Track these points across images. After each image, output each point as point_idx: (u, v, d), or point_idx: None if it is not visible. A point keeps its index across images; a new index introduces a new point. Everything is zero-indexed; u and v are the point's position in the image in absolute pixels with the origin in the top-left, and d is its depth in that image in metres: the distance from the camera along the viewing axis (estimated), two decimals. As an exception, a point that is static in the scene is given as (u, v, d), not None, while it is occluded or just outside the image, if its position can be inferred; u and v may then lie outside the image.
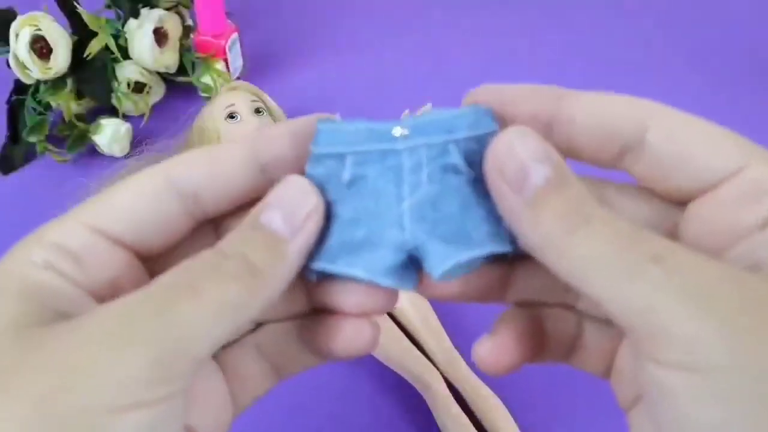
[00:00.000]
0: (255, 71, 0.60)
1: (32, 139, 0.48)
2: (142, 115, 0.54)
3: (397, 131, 0.16)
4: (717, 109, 0.58)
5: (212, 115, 0.44)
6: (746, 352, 0.12)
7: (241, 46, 0.58)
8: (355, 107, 0.56)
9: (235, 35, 0.56)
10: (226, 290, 0.14)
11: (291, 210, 0.16)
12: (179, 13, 0.55)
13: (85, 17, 0.50)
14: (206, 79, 0.54)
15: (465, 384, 0.33)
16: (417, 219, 0.16)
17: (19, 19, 0.47)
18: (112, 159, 0.50)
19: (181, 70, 0.55)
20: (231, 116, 0.42)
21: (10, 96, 0.51)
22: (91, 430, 0.13)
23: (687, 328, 0.12)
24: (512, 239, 0.16)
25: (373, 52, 0.64)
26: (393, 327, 0.35)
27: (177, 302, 0.14)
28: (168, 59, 0.53)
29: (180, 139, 0.46)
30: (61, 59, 0.48)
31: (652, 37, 0.69)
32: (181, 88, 0.56)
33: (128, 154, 0.50)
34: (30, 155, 0.50)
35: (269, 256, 0.15)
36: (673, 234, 0.16)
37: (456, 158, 0.16)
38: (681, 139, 0.15)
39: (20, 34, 0.47)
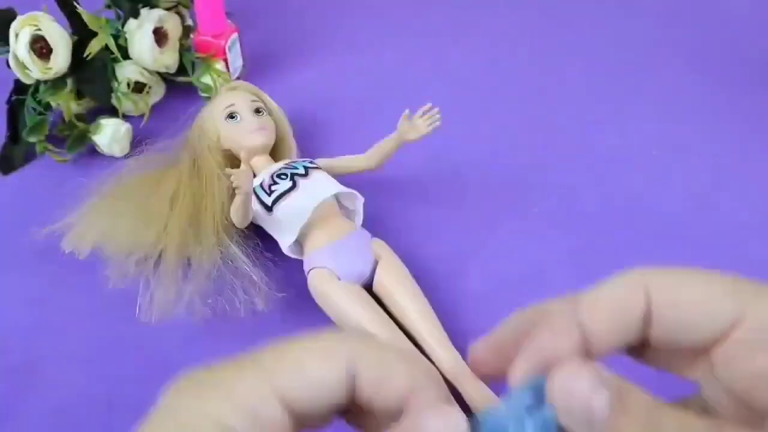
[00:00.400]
0: (255, 71, 0.60)
1: (32, 139, 0.48)
2: (142, 115, 0.54)
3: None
4: (717, 109, 0.58)
5: (212, 115, 0.44)
6: None
7: (241, 46, 0.58)
8: (355, 107, 0.56)
9: (235, 35, 0.56)
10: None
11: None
12: (179, 13, 0.55)
13: (85, 17, 0.50)
14: (206, 79, 0.54)
15: (470, 390, 0.32)
16: None
17: (19, 19, 0.47)
18: (112, 159, 0.50)
19: (182, 70, 0.55)
20: (231, 116, 0.42)
21: (10, 96, 0.51)
22: None
23: None
24: None
25: (373, 52, 0.64)
26: (401, 336, 0.35)
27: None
28: (168, 59, 0.53)
29: (180, 139, 0.46)
30: (61, 59, 0.48)
31: (652, 37, 0.69)
32: (181, 88, 0.56)
33: (128, 154, 0.50)
34: (30, 155, 0.50)
35: None
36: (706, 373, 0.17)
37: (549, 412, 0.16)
38: (679, 303, 0.17)
39: (20, 34, 0.47)
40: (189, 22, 0.58)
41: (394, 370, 0.16)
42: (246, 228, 0.41)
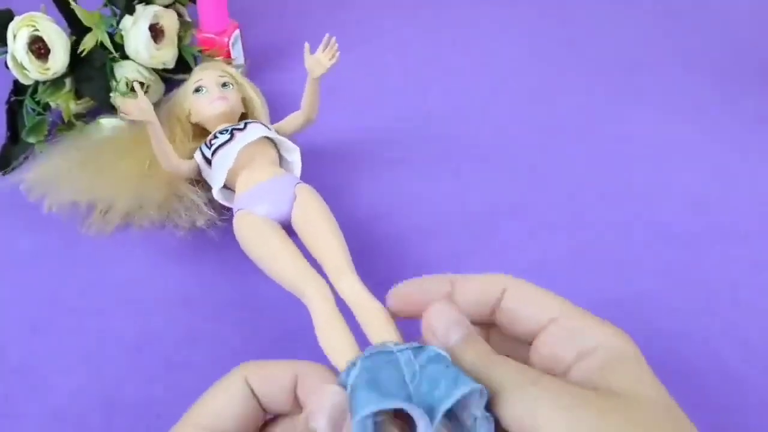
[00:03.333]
0: (257, 67, 0.60)
1: (31, 139, 0.48)
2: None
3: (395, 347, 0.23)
4: (717, 109, 0.58)
5: (184, 90, 0.47)
6: None
7: (243, 42, 0.58)
8: (357, 103, 0.56)
9: (237, 32, 0.56)
10: None
11: (331, 414, 0.21)
12: (176, 10, 0.55)
13: (79, 13, 0.49)
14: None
15: (351, 294, 0.34)
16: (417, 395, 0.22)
17: (17, 19, 0.47)
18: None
19: (182, 67, 0.55)
20: (197, 90, 0.45)
21: (9, 97, 0.51)
22: None
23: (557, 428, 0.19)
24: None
25: (373, 49, 0.64)
26: (306, 266, 0.36)
27: None
28: (165, 55, 0.53)
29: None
30: (59, 59, 0.48)
31: (652, 37, 0.69)
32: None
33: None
34: (29, 156, 0.50)
35: None
36: (525, 361, 0.24)
37: (435, 351, 0.23)
38: (520, 300, 0.25)
39: (18, 34, 0.47)
40: (187, 18, 0.57)
41: (276, 372, 0.23)
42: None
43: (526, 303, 0.25)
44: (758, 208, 0.48)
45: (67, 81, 0.50)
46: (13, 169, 0.49)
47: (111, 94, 0.51)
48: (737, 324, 0.40)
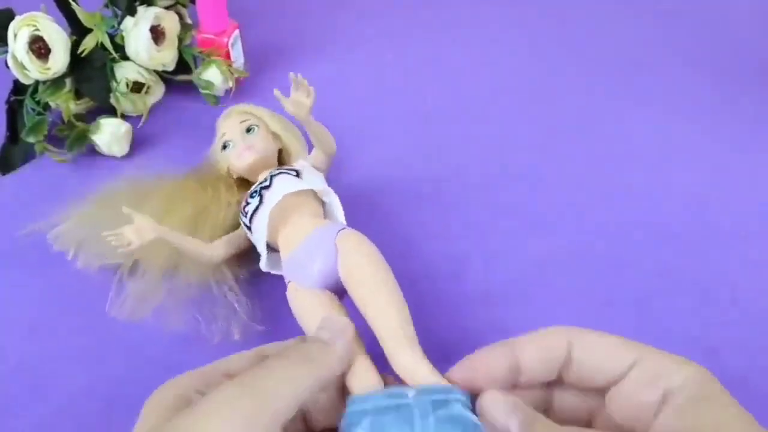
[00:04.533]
0: (256, 68, 0.60)
1: (31, 139, 0.48)
2: (141, 115, 0.54)
3: (410, 392, 0.24)
4: (717, 109, 0.58)
5: (214, 149, 0.44)
6: None
7: (243, 42, 0.58)
8: (357, 103, 0.56)
9: (237, 32, 0.56)
10: (292, 370, 0.23)
11: (335, 330, 0.26)
12: (177, 12, 0.55)
13: (80, 14, 0.49)
14: (207, 75, 0.54)
15: (410, 373, 0.28)
16: None
17: (18, 19, 0.47)
18: (112, 159, 0.50)
19: (182, 68, 0.55)
20: (224, 147, 0.43)
21: (9, 96, 0.51)
22: None
23: None
24: None
25: (373, 50, 0.64)
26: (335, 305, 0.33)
27: (264, 380, 0.22)
28: (165, 57, 0.53)
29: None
30: (59, 59, 0.48)
31: (652, 37, 0.69)
32: (180, 88, 0.56)
33: (128, 154, 0.50)
34: (29, 155, 0.50)
35: (320, 350, 0.25)
36: (597, 413, 0.25)
37: (458, 410, 0.23)
38: (593, 351, 0.24)
39: (19, 34, 0.47)
40: (188, 20, 0.57)
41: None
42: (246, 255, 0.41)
43: (598, 353, 0.24)
44: (758, 208, 0.48)
45: (67, 81, 0.50)
46: (12, 169, 0.49)
47: (111, 95, 0.51)
48: (737, 324, 0.40)
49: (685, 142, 0.54)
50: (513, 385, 0.25)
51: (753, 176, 0.51)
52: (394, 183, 0.49)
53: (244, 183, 0.44)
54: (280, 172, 0.39)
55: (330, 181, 0.43)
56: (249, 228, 0.38)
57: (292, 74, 0.39)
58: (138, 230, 0.36)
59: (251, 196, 0.39)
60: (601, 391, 0.24)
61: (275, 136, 0.44)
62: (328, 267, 0.33)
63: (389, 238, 0.43)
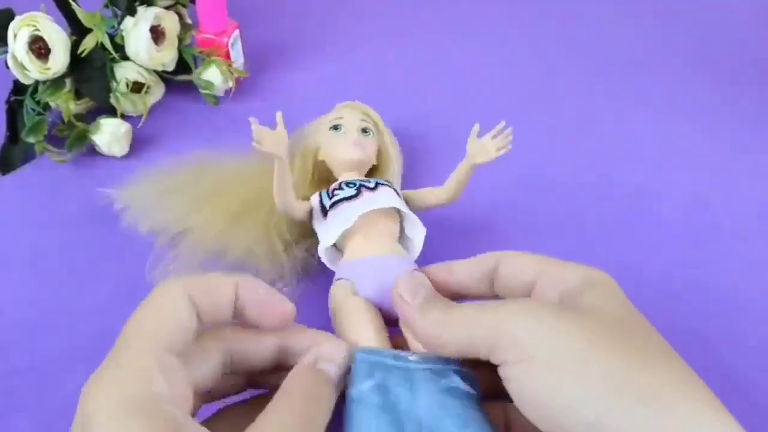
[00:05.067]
0: (257, 68, 0.60)
1: (31, 139, 0.48)
2: (141, 115, 0.54)
3: (412, 357, 0.26)
4: (717, 109, 0.58)
5: (318, 123, 0.43)
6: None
7: (243, 42, 0.58)
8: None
9: (236, 32, 0.56)
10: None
11: (339, 364, 0.26)
12: (177, 12, 0.55)
13: (80, 14, 0.49)
14: (207, 75, 0.54)
15: None
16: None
17: (18, 19, 0.47)
18: (112, 159, 0.50)
19: (182, 68, 0.55)
20: (335, 127, 0.41)
21: (9, 96, 0.51)
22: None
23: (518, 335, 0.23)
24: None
25: (374, 50, 0.64)
26: (383, 340, 0.31)
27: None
28: (165, 57, 0.53)
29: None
30: (59, 59, 0.48)
31: (652, 37, 0.69)
32: (180, 88, 0.56)
33: (128, 154, 0.50)
34: (29, 156, 0.50)
35: (328, 392, 0.25)
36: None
37: (457, 382, 0.25)
38: (513, 265, 0.28)
39: (18, 34, 0.47)
40: (188, 20, 0.57)
41: (218, 285, 0.25)
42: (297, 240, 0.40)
43: (515, 265, 0.28)
44: (758, 208, 0.48)
45: (67, 81, 0.50)
46: (12, 169, 0.49)
47: (111, 95, 0.51)
48: (737, 324, 0.40)
49: (685, 142, 0.54)
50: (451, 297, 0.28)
51: (753, 176, 0.51)
52: (394, 183, 0.49)
53: (323, 171, 0.42)
54: (386, 185, 0.38)
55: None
56: (326, 210, 0.37)
57: (504, 122, 0.40)
58: (277, 139, 0.35)
59: (348, 185, 0.37)
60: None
61: (381, 153, 0.43)
62: (389, 294, 0.30)
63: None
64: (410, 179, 0.49)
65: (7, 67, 0.48)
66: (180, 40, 0.54)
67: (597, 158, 0.52)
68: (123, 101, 0.52)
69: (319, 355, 0.25)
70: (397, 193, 0.38)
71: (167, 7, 0.54)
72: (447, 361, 0.26)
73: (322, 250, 0.36)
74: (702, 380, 0.23)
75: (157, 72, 0.54)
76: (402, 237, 0.38)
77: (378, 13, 0.71)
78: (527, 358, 0.22)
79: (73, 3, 0.49)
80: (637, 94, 0.59)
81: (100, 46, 0.50)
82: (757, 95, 0.60)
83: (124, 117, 0.52)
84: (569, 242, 0.44)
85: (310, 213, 0.39)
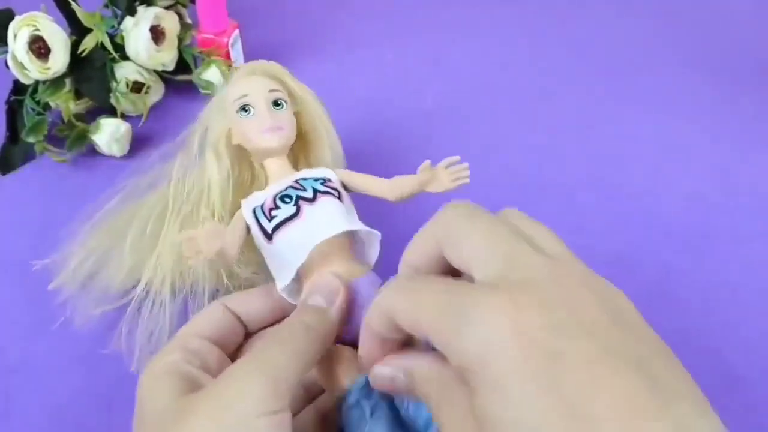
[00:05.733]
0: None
1: (31, 139, 0.48)
2: (141, 115, 0.54)
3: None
4: (717, 109, 0.58)
5: (223, 105, 0.36)
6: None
7: (243, 42, 0.58)
8: (356, 103, 0.56)
9: (236, 32, 0.56)
10: (296, 340, 0.25)
11: (328, 292, 0.28)
12: (177, 12, 0.55)
13: (80, 14, 0.49)
14: (207, 75, 0.54)
15: None
16: None
17: (18, 19, 0.47)
18: (112, 159, 0.50)
19: (182, 68, 0.55)
20: (243, 109, 0.35)
21: (9, 96, 0.51)
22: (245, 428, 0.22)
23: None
24: None
25: (373, 50, 0.64)
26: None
27: (272, 351, 0.24)
28: (165, 57, 0.53)
29: (183, 137, 0.39)
30: (59, 59, 0.48)
31: (652, 37, 0.69)
32: (180, 88, 0.56)
33: (127, 154, 0.50)
34: (29, 155, 0.50)
35: (317, 318, 0.27)
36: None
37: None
38: (452, 247, 0.26)
39: (18, 34, 0.47)
40: (188, 20, 0.57)
41: (251, 296, 0.32)
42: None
43: (464, 252, 0.26)
44: (758, 207, 0.48)
45: (67, 81, 0.50)
46: (12, 169, 0.49)
47: (111, 95, 0.51)
48: (737, 324, 0.40)
49: (685, 142, 0.54)
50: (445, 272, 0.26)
51: (753, 176, 0.51)
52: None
53: (242, 155, 0.37)
54: (327, 191, 0.33)
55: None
56: (269, 237, 0.32)
57: (456, 158, 0.35)
58: (209, 238, 0.30)
59: (282, 200, 0.32)
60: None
61: (302, 120, 0.38)
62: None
63: (388, 237, 0.43)
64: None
65: (7, 67, 0.48)
66: (180, 40, 0.54)
67: (597, 158, 0.52)
68: (123, 101, 0.52)
69: (309, 293, 0.28)
70: (339, 196, 0.33)
71: (167, 7, 0.54)
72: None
73: (281, 289, 0.31)
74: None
75: (157, 72, 0.54)
76: (356, 244, 0.34)
77: (378, 13, 0.71)
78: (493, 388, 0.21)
79: (73, 3, 0.49)
80: (637, 94, 0.59)
81: (100, 46, 0.50)
82: (757, 95, 0.60)
83: (124, 117, 0.52)
84: (569, 242, 0.44)
85: (246, 228, 0.33)
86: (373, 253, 0.34)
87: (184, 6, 0.57)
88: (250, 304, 0.31)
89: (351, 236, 0.33)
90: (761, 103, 0.58)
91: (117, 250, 0.37)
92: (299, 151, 0.39)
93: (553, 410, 0.17)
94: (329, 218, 0.32)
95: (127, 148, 0.50)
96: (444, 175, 0.36)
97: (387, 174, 0.50)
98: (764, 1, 0.76)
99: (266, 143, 0.34)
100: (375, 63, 0.63)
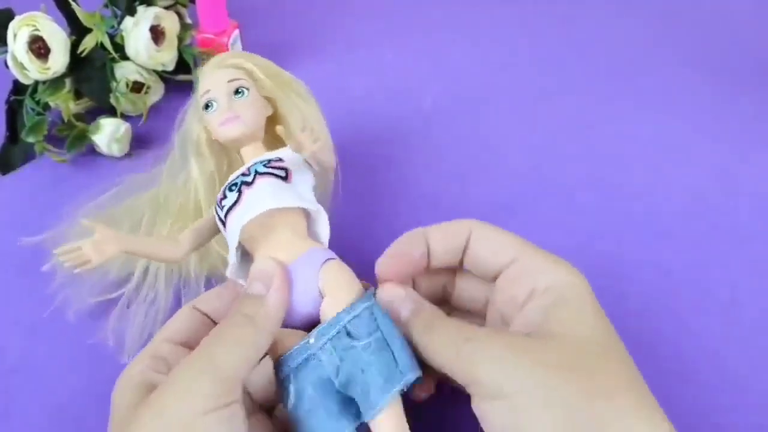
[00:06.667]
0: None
1: (31, 139, 0.48)
2: (141, 115, 0.54)
3: (311, 339, 0.27)
4: (717, 109, 0.58)
5: (195, 106, 0.36)
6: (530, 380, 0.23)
7: (243, 42, 0.58)
8: (356, 103, 0.56)
9: (236, 32, 0.56)
10: (237, 333, 0.25)
11: (265, 278, 0.27)
12: (177, 12, 0.55)
13: (80, 14, 0.49)
14: (207, 77, 0.54)
15: None
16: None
17: (17, 19, 0.47)
18: (112, 159, 0.50)
19: (182, 68, 0.55)
20: (207, 106, 0.34)
21: (9, 96, 0.51)
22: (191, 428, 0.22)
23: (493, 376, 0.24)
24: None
25: (373, 50, 0.64)
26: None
27: (214, 347, 0.25)
28: (165, 57, 0.53)
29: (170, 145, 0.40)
30: (59, 59, 0.48)
31: (652, 37, 0.69)
32: (180, 88, 0.56)
33: (127, 153, 0.50)
34: (29, 155, 0.50)
35: (256, 307, 0.26)
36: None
37: (350, 337, 0.26)
38: (485, 244, 0.28)
39: (18, 34, 0.47)
40: (188, 20, 0.57)
41: (216, 293, 0.32)
42: None
43: (489, 245, 0.28)
44: (758, 207, 0.48)
45: (67, 81, 0.50)
46: (12, 169, 0.49)
47: (110, 95, 0.51)
48: (737, 324, 0.40)
49: (685, 142, 0.54)
50: (425, 269, 0.29)
51: (753, 176, 0.51)
52: (393, 184, 0.49)
53: (225, 150, 0.37)
54: (267, 172, 0.32)
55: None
56: (223, 223, 0.32)
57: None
58: (98, 245, 0.30)
59: (230, 189, 0.32)
60: (494, 281, 0.29)
61: (269, 99, 0.37)
62: (307, 309, 0.28)
63: (387, 237, 0.43)
64: (410, 179, 0.49)
65: (7, 67, 0.48)
66: (180, 40, 0.54)
67: (597, 158, 0.52)
68: (123, 101, 0.52)
69: (249, 281, 0.28)
70: (286, 175, 0.32)
71: (167, 7, 0.54)
72: (338, 319, 0.26)
73: (230, 272, 0.31)
74: (656, 403, 0.24)
75: (156, 72, 0.54)
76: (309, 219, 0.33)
77: (378, 13, 0.71)
78: (496, 396, 0.23)
79: (73, 3, 0.49)
80: (637, 94, 0.59)
81: (100, 46, 0.50)
82: (757, 95, 0.60)
83: (123, 117, 0.52)
84: (569, 242, 0.44)
85: (210, 230, 0.34)
86: (322, 230, 0.32)
87: (184, 6, 0.57)
88: (219, 300, 0.31)
89: (306, 214, 0.32)
90: (761, 103, 0.58)
91: None
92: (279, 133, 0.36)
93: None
94: (258, 198, 0.31)
95: (126, 148, 0.50)
96: (303, 138, 0.32)
97: (387, 173, 0.50)
98: (764, 1, 0.76)
99: (224, 135, 0.34)
100: (375, 63, 0.63)
